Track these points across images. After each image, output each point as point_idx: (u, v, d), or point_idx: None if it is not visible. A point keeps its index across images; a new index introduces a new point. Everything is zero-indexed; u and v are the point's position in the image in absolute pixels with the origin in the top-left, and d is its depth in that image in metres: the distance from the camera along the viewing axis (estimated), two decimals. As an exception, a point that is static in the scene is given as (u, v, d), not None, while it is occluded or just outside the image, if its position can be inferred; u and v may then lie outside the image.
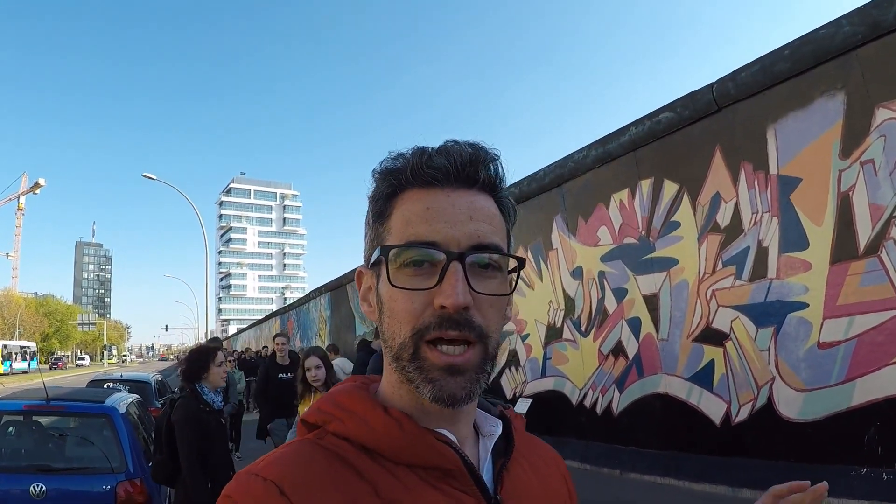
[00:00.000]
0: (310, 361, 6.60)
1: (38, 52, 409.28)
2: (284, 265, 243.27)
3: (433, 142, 1.15)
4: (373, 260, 1.14)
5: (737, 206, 9.01)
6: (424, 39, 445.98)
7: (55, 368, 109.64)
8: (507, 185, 1.18)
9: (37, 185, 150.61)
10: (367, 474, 1.03)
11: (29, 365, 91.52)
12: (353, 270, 1.26)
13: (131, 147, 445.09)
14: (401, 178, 1.11)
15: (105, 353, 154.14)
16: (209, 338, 24.64)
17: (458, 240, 1.05)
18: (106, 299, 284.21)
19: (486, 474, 1.16)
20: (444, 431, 1.11)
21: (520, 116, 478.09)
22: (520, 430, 1.30)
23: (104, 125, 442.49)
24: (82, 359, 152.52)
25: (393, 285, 1.07)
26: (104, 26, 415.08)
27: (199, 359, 5.94)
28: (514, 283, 1.16)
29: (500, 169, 1.16)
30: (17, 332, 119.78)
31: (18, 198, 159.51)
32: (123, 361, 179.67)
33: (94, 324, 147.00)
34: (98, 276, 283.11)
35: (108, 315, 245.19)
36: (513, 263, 1.13)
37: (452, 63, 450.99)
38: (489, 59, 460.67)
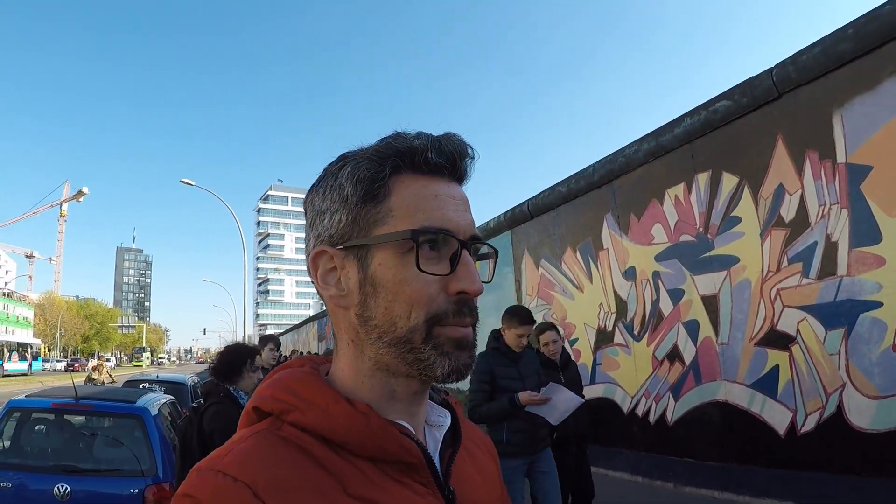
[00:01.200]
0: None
1: (81, 62, 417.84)
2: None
3: None
4: (383, 241, 1.08)
5: (802, 198, 8.43)
6: (462, 46, 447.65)
7: (71, 371, 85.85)
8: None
9: (80, 192, 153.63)
10: (334, 469, 1.02)
11: (30, 366, 77.71)
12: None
13: (171, 155, 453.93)
14: (405, 160, 1.10)
15: (137, 354, 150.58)
16: (264, 335, 24.07)
17: (465, 229, 1.10)
18: (145, 303, 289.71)
19: (436, 464, 1.16)
20: (404, 423, 1.11)
21: (569, 112, 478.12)
22: (462, 419, 1.32)
23: (144, 133, 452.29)
24: (107, 360, 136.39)
25: (422, 270, 1.05)
26: (144, 36, 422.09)
27: (234, 360, 5.44)
28: (492, 271, 1.23)
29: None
30: (58, 334, 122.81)
31: (61, 205, 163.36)
32: (160, 364, 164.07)
33: (134, 326, 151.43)
34: (138, 280, 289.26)
35: (147, 318, 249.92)
36: (486, 251, 1.22)
37: (492, 65, 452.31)
38: (531, 60, 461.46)
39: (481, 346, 6.74)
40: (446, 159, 1.10)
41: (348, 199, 1.11)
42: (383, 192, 1.09)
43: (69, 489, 5.96)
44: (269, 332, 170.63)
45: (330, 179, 1.15)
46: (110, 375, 25.66)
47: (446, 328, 1.06)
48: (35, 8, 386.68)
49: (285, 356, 26.56)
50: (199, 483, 0.96)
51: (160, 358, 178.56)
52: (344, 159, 1.15)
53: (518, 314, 6.51)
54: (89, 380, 22.36)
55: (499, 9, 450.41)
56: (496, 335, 6.65)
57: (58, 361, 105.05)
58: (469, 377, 5.56)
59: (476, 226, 1.15)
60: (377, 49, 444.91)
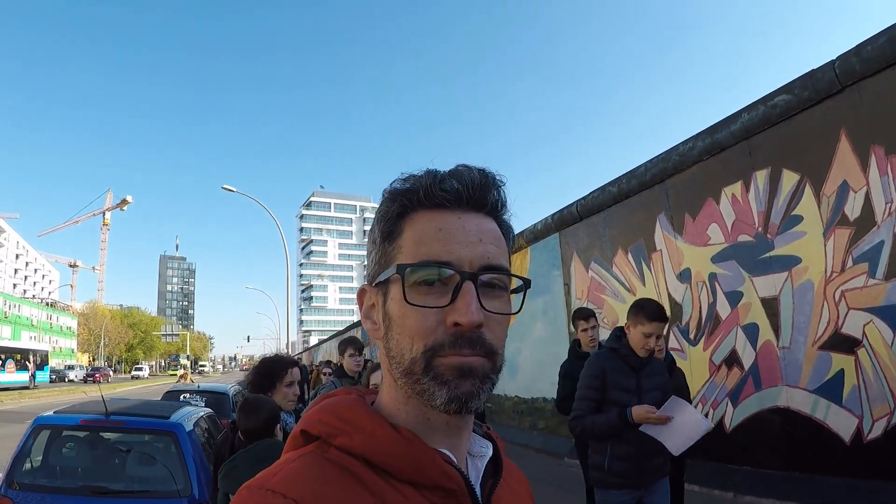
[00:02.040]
0: (377, 377, 5.66)
1: (124, 77, 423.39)
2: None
3: (509, 164, 0.89)
4: (382, 278, 1.16)
5: (868, 195, 8.11)
6: (511, 54, 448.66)
7: (92, 381, 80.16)
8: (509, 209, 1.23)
9: (124, 201, 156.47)
10: (377, 492, 1.03)
11: (33, 377, 64.14)
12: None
13: (213, 163, 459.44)
14: (412, 199, 1.14)
15: (174, 362, 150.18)
16: (344, 338, 23.35)
17: (471, 260, 1.10)
18: (189, 311, 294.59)
19: (476, 494, 1.16)
20: (446, 451, 1.12)
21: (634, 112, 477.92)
22: (503, 453, 1.31)
23: (187, 142, 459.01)
24: (139, 368, 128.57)
25: (408, 302, 1.09)
26: (189, 51, 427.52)
27: (266, 373, 5.19)
28: (521, 302, 1.21)
29: (504, 194, 1.21)
30: (102, 343, 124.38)
31: (104, 213, 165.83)
32: (201, 372, 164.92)
33: (178, 335, 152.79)
34: (182, 288, 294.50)
35: (191, 326, 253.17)
36: (516, 283, 1.18)
37: (546, 75, 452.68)
38: (585, 68, 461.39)
39: (542, 366, 6.55)
40: (453, 192, 1.13)
41: (376, 240, 1.19)
42: (398, 229, 1.15)
43: None
44: (314, 338, 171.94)
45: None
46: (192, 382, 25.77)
47: (446, 358, 1.06)
48: (81, 27, 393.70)
49: (368, 359, 26.24)
50: (249, 500, 0.98)
51: (201, 366, 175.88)
52: (383, 196, 1.21)
53: (646, 308, 5.25)
54: None
55: (566, 12, 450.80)
56: (618, 333, 5.46)
57: (80, 369, 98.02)
58: (565, 382, 7.12)
59: (522, 229, 1.02)
60: (428, 62, 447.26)
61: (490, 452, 1.26)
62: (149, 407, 8.04)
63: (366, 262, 1.26)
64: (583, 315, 7.83)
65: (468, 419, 1.18)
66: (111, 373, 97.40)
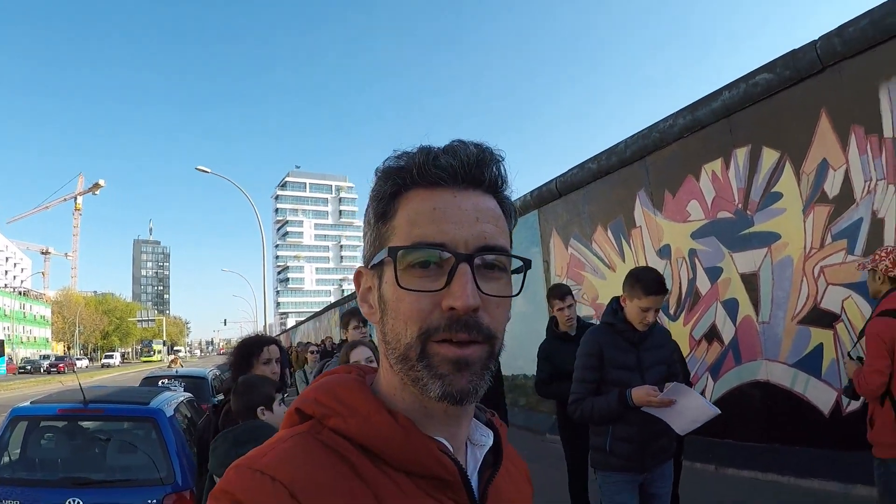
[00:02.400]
0: (358, 353, 5.14)
1: (93, 60, 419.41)
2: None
3: (485, 138, 1.16)
4: (376, 261, 1.13)
5: (847, 173, 8.24)
6: (491, 29, 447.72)
7: (55, 372, 71.63)
8: (510, 186, 1.19)
9: (97, 185, 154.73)
10: (368, 478, 1.02)
11: None
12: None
13: (186, 145, 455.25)
14: (405, 177, 1.11)
15: (146, 348, 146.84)
16: (347, 310, 23.03)
17: (466, 241, 1.06)
18: (165, 296, 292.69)
19: (473, 483, 1.15)
20: (443, 440, 1.11)
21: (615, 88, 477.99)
22: (504, 440, 1.30)
23: (159, 124, 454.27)
24: (110, 356, 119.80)
25: (401, 286, 1.06)
26: (159, 31, 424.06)
27: (244, 353, 5.11)
28: (521, 284, 1.16)
29: (503, 170, 1.16)
30: (77, 331, 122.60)
31: (75, 198, 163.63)
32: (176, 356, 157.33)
33: (154, 320, 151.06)
34: (156, 273, 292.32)
35: (167, 311, 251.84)
36: (517, 263, 1.15)
37: (525, 52, 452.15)
38: (559, 43, 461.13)
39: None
40: (447, 169, 1.09)
41: (371, 220, 1.17)
42: (392, 209, 1.12)
43: (81, 503, 5.65)
44: (291, 320, 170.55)
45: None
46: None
47: (442, 346, 1.04)
48: (48, 12, 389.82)
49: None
50: (237, 480, 0.98)
51: (175, 350, 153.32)
52: (376, 175, 1.18)
53: (642, 280, 4.84)
54: None
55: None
56: (615, 306, 5.05)
57: (56, 358, 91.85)
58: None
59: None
60: (399, 37, 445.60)
61: (490, 442, 1.24)
62: (128, 393, 7.99)
63: (362, 243, 1.24)
64: (558, 294, 7.30)
65: (468, 407, 1.17)
66: (77, 362, 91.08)
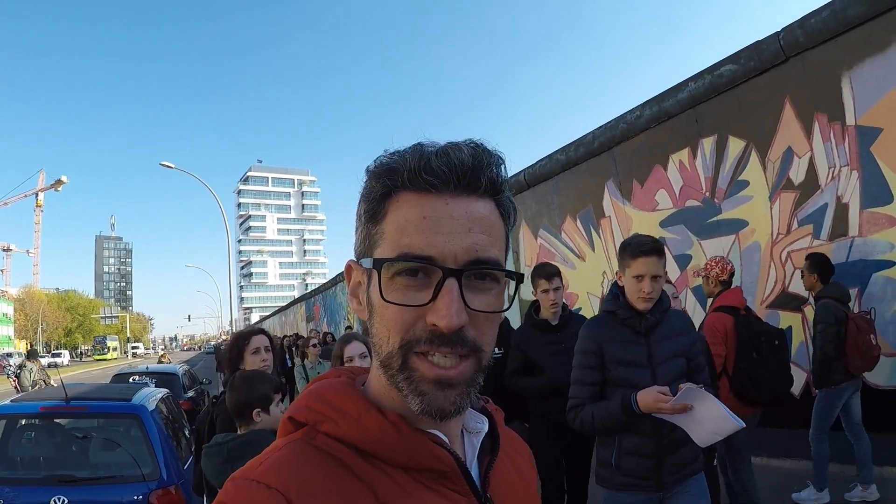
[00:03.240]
0: (353, 349, 4.98)
1: (51, 52, 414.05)
2: (305, 251, 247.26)
3: (444, 130, 0.90)
4: (365, 265, 1.10)
5: (811, 160, 8.45)
6: (440, 22, 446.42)
7: None
8: (510, 182, 1.13)
9: (59, 182, 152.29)
10: (365, 478, 1.02)
11: None
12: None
13: (148, 142, 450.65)
14: (396, 180, 1.06)
15: (99, 346, 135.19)
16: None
17: (455, 253, 1.02)
18: (128, 292, 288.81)
19: (473, 472, 1.16)
20: (437, 432, 1.10)
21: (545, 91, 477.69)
22: (500, 424, 1.31)
23: (120, 120, 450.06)
24: (57, 354, 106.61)
25: (385, 300, 1.04)
26: (118, 21, 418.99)
27: (234, 348, 5.10)
28: (512, 299, 1.17)
29: (503, 171, 1.11)
30: (40, 328, 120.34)
31: (36, 194, 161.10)
32: (135, 355, 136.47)
33: (117, 317, 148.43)
34: (119, 269, 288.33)
35: (130, 308, 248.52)
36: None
37: (469, 44, 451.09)
38: (508, 37, 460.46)
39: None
40: (439, 176, 1.04)
41: (361, 217, 1.13)
42: (382, 211, 1.09)
43: (67, 501, 5.55)
44: (255, 315, 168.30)
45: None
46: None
47: (423, 362, 1.03)
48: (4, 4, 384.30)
49: (295, 336, 26.18)
50: (234, 492, 0.99)
51: (133, 348, 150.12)
52: (366, 173, 1.14)
53: (631, 243, 4.05)
54: None
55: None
56: (615, 291, 4.18)
57: (19, 356, 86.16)
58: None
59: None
60: (357, 24, 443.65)
61: (485, 428, 1.24)
62: (108, 390, 8.03)
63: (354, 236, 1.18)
64: (544, 273, 6.01)
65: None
66: (6, 360, 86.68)
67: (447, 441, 1.11)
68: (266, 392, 4.06)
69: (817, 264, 7.55)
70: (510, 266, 1.09)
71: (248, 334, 5.24)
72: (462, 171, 1.04)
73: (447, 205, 1.04)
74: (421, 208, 1.04)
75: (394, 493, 1.02)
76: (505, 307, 1.11)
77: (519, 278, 1.13)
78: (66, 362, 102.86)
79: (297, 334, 27.81)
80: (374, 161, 1.11)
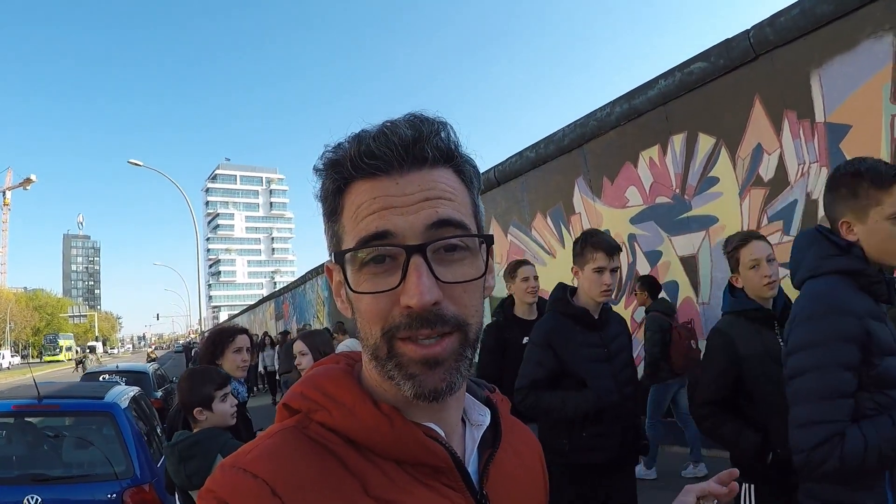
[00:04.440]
0: (295, 347, 5.28)
1: (19, 51, 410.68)
2: (273, 249, 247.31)
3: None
4: (332, 263, 1.12)
5: (781, 157, 8.47)
6: (408, 24, 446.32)
7: None
8: (464, 149, 1.12)
9: (28, 180, 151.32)
10: (356, 470, 1.02)
11: None
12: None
13: (115, 139, 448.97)
14: (343, 172, 1.06)
15: (50, 345, 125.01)
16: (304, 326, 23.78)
17: (415, 228, 1.01)
18: (96, 291, 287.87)
19: (472, 466, 1.16)
20: (433, 425, 1.08)
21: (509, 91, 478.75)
22: (505, 415, 1.29)
23: (87, 118, 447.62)
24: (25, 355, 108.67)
25: (355, 291, 1.04)
26: (86, 26, 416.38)
27: (215, 341, 5.05)
28: (485, 263, 1.09)
29: (451, 135, 1.09)
30: (8, 328, 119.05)
31: (4, 193, 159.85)
32: (85, 354, 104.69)
33: (86, 316, 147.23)
34: (87, 268, 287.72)
35: (98, 307, 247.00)
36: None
37: (440, 45, 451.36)
38: (479, 35, 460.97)
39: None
40: (382, 158, 1.03)
41: (324, 217, 1.14)
42: (338, 206, 1.09)
43: (40, 500, 5.53)
44: (223, 314, 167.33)
45: None
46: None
47: (407, 345, 1.01)
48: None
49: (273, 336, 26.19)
50: (221, 479, 0.98)
51: (86, 346, 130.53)
52: (315, 173, 1.14)
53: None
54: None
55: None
56: (559, 295, 4.59)
57: None
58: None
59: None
60: (325, 25, 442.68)
61: (487, 420, 1.22)
62: (81, 389, 8.01)
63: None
64: (605, 246, 4.64)
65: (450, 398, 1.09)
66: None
67: (443, 434, 1.09)
68: (207, 392, 4.06)
69: (647, 284, 9.45)
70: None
71: (233, 332, 5.18)
72: (404, 146, 1.03)
73: (398, 184, 1.03)
74: (371, 191, 1.03)
75: (384, 486, 1.01)
76: (481, 273, 1.07)
77: (488, 240, 1.10)
78: (6, 364, 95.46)
79: (266, 333, 27.80)
80: (320, 158, 1.11)
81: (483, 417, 1.22)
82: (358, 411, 1.05)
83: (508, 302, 6.17)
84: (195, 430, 3.99)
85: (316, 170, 1.12)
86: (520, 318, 6.03)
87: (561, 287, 4.66)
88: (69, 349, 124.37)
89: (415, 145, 1.04)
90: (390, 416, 1.05)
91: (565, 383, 4.33)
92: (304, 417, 1.09)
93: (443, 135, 1.08)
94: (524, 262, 6.18)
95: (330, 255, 1.13)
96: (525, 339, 4.98)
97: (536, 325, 4.67)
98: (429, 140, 1.05)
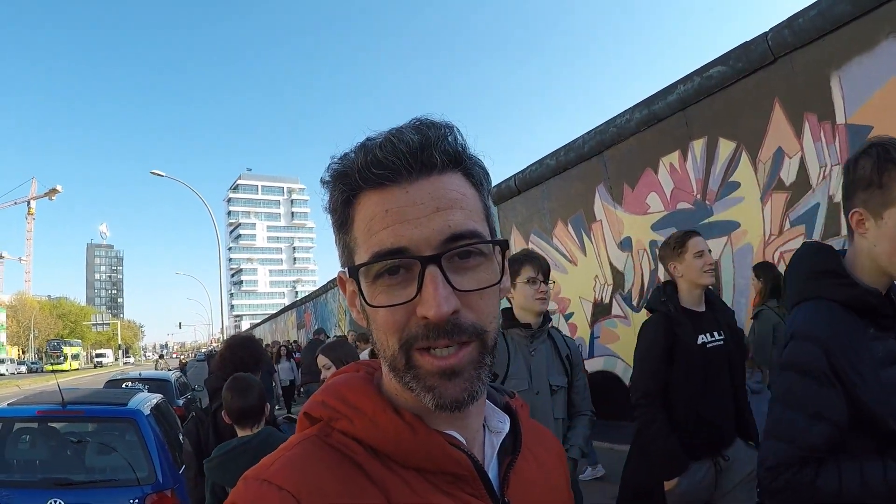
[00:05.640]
0: (319, 361, 5.06)
1: (44, 57, 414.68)
2: (294, 259, 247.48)
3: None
4: (347, 275, 1.08)
5: (802, 160, 8.40)
6: (430, 27, 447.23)
7: None
8: (472, 151, 1.10)
9: (53, 191, 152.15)
10: (378, 479, 1.00)
11: None
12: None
13: (138, 149, 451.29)
14: (350, 183, 1.04)
15: (54, 352, 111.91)
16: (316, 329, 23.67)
17: (429, 239, 0.98)
18: (118, 299, 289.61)
19: (492, 472, 1.14)
20: (454, 433, 1.07)
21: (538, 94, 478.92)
22: (524, 421, 1.27)
23: (111, 128, 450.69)
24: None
25: (371, 305, 1.02)
26: (109, 29, 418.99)
27: (246, 357, 5.09)
28: (501, 269, 1.06)
29: (458, 138, 1.07)
30: (31, 335, 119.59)
31: (28, 202, 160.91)
32: (99, 363, 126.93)
33: (108, 324, 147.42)
34: (110, 276, 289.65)
35: (121, 315, 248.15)
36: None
37: (454, 51, 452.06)
38: (495, 41, 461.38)
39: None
40: (389, 168, 1.01)
41: (334, 229, 1.12)
42: (348, 218, 1.07)
43: None
44: (245, 323, 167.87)
45: None
46: None
47: (425, 356, 0.99)
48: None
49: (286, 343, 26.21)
50: (245, 491, 0.98)
51: (98, 356, 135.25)
52: (322, 185, 1.12)
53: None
54: None
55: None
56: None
57: (10, 362, 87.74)
58: None
59: None
60: (348, 33, 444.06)
61: (507, 427, 1.20)
62: (104, 395, 8.11)
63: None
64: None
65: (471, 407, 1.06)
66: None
67: (464, 442, 1.08)
68: (262, 385, 4.26)
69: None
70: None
71: (259, 350, 5.28)
72: (411, 153, 1.01)
73: (407, 192, 1.01)
74: (382, 203, 1.01)
75: (407, 496, 1.01)
76: (498, 278, 1.05)
77: (503, 244, 1.07)
78: (2, 370, 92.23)
79: (280, 344, 27.85)
80: (327, 170, 1.09)
81: (503, 424, 1.20)
82: (379, 420, 1.04)
83: (671, 288, 4.63)
84: (246, 434, 4.06)
85: (323, 182, 1.11)
86: (688, 309, 4.55)
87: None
88: (76, 357, 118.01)
89: (422, 152, 1.02)
90: (412, 425, 1.04)
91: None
92: (326, 426, 1.08)
93: (450, 138, 1.06)
94: (693, 234, 4.62)
95: (342, 266, 1.11)
96: (702, 340, 4.34)
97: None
98: (436, 145, 1.03)
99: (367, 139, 1.05)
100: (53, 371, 19.05)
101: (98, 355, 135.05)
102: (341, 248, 1.11)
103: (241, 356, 5.16)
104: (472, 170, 1.09)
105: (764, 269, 7.97)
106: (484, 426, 1.20)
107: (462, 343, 0.99)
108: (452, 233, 0.99)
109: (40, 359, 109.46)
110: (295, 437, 1.10)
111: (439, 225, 0.99)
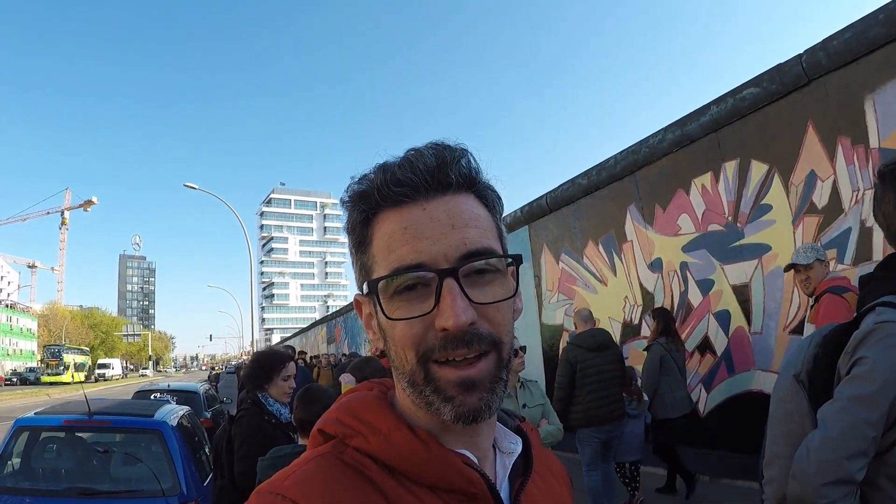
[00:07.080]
0: (343, 378, 4.98)
1: (79, 64, 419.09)
2: (326, 273, 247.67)
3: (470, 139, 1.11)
4: (365, 292, 1.10)
5: (835, 184, 8.35)
6: (460, 40, 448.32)
7: None
8: (485, 175, 1.13)
9: (89, 202, 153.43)
10: (392, 496, 1.00)
11: None
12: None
13: (173, 163, 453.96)
14: (370, 202, 1.07)
15: (53, 360, 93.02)
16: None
17: (446, 254, 1.00)
18: (150, 311, 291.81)
19: (503, 492, 1.14)
20: (467, 452, 1.08)
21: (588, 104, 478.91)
22: (535, 445, 1.27)
23: (146, 139, 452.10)
24: (10, 381, 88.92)
25: (389, 318, 1.03)
26: (145, 37, 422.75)
27: (263, 366, 5.08)
28: (515, 284, 1.09)
29: (471, 162, 1.10)
30: (63, 344, 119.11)
31: (62, 212, 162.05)
32: (101, 376, 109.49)
33: (139, 335, 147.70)
34: (142, 288, 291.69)
35: (152, 326, 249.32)
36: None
37: (489, 64, 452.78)
38: (530, 56, 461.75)
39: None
40: (408, 186, 1.03)
41: (352, 250, 1.14)
42: (367, 237, 1.09)
43: None
44: (276, 336, 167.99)
45: None
46: None
47: (443, 368, 1.01)
48: (35, 7, 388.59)
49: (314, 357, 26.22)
50: None
51: (101, 366, 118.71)
52: (341, 205, 1.16)
53: None
54: None
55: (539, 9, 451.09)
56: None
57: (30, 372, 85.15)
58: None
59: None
60: (381, 47, 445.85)
61: (519, 449, 1.20)
62: (131, 406, 8.05)
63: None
64: None
65: (486, 420, 1.08)
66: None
67: (476, 462, 1.09)
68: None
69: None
70: (532, 291, 1.06)
71: (282, 358, 5.21)
72: (429, 172, 1.04)
73: (424, 210, 1.04)
74: (400, 220, 1.04)
75: None
76: (512, 292, 1.07)
77: (517, 259, 1.09)
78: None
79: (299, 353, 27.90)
80: (346, 191, 1.12)
81: (514, 445, 1.21)
82: (394, 437, 1.05)
83: None
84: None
85: (342, 202, 1.14)
86: None
87: None
88: (80, 367, 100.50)
89: (439, 171, 1.05)
90: (427, 442, 1.04)
91: None
92: (340, 443, 1.08)
93: (464, 161, 1.08)
94: None
95: (359, 286, 1.13)
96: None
97: None
98: (452, 166, 1.06)
99: (386, 161, 1.08)
100: (51, 383, 18.65)
101: (101, 366, 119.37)
102: (358, 268, 1.13)
103: (253, 372, 5.17)
104: (484, 192, 1.11)
105: (660, 314, 9.41)
106: (494, 447, 1.20)
107: (480, 354, 1.01)
108: (469, 250, 1.01)
109: (47, 366, 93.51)
110: (309, 453, 1.11)
111: (455, 241, 1.01)
